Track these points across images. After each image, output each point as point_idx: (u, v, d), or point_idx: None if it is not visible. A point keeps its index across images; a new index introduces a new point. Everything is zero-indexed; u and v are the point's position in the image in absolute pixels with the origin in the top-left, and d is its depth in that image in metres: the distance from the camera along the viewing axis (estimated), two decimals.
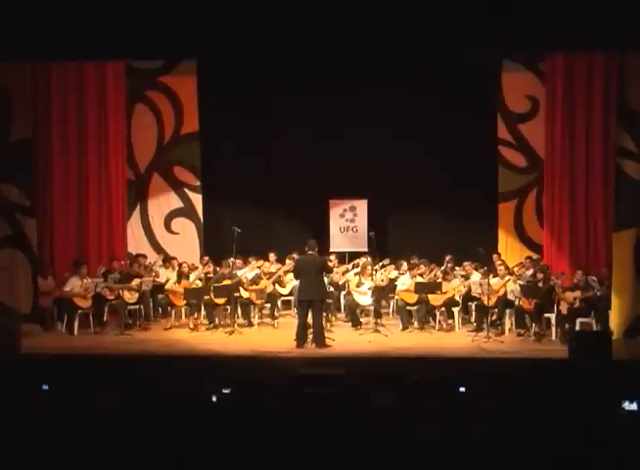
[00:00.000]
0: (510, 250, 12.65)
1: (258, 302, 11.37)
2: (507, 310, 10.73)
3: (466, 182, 12.74)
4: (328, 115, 12.71)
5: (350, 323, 11.20)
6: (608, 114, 11.44)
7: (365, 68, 12.06)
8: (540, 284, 10.55)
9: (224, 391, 5.74)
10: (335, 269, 11.90)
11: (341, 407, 5.34)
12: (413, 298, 11.05)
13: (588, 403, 5.38)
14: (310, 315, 9.66)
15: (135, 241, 13.09)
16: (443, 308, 11.07)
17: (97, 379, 6.66)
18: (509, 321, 10.81)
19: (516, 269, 11.41)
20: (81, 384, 6.25)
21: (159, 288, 11.49)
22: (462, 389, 5.93)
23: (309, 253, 9.84)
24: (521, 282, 10.82)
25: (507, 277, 10.87)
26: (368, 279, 11.12)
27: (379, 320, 10.81)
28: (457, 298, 11.11)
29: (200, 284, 11.37)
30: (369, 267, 11.22)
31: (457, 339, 10.40)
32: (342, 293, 11.94)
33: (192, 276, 11.44)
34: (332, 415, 5.10)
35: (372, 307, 10.95)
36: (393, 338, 10.37)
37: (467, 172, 12.72)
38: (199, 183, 13.34)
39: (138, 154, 13.17)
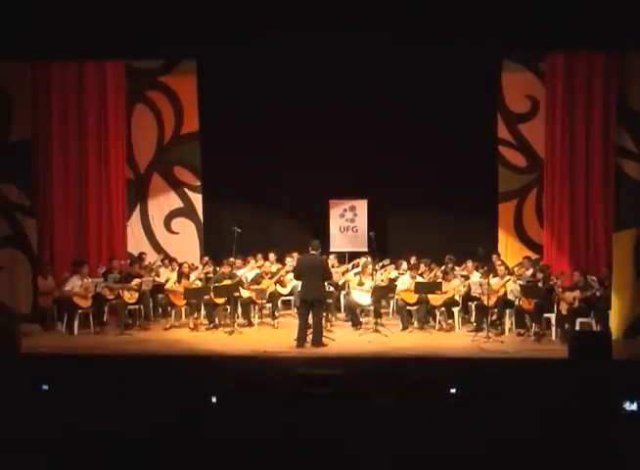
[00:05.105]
0: (510, 250, 12.65)
1: (259, 301, 11.37)
2: (507, 310, 10.74)
3: (466, 182, 12.74)
4: (328, 114, 12.71)
5: (350, 323, 11.20)
6: (608, 114, 11.42)
7: (365, 67, 12.06)
8: (540, 284, 10.55)
9: (222, 391, 5.74)
10: (335, 269, 11.91)
11: (340, 407, 5.33)
12: (413, 298, 11.05)
13: (588, 403, 5.38)
14: (310, 315, 9.68)
15: (135, 241, 13.09)
16: (443, 308, 11.08)
17: (97, 379, 6.66)
18: (509, 321, 10.81)
19: (516, 269, 11.42)
20: (81, 384, 6.25)
21: (159, 288, 11.49)
22: (453, 390, 5.90)
23: (312, 252, 9.85)
24: (521, 282, 10.83)
25: (507, 277, 10.88)
26: (368, 279, 11.13)
27: (379, 320, 10.81)
28: (457, 298, 11.12)
29: (200, 284, 11.38)
30: (369, 267, 11.23)
31: (457, 339, 10.40)
32: (342, 293, 11.95)
33: (192, 276, 11.45)
34: (331, 415, 5.10)
35: (372, 307, 10.95)
36: (393, 338, 10.37)
37: (467, 172, 12.72)
38: (199, 183, 13.35)
39: (138, 154, 13.17)
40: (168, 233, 13.37)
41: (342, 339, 10.23)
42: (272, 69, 12.21)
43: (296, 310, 11.33)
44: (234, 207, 13.34)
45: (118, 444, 4.68)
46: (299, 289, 10.28)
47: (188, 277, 11.38)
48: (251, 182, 13.16)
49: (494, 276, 10.90)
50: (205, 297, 11.07)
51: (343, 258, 12.76)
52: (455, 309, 11.09)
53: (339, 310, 12.03)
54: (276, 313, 11.47)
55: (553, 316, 10.31)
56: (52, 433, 4.86)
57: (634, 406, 5.41)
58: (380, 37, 9.68)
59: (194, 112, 13.13)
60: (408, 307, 11.13)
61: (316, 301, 9.68)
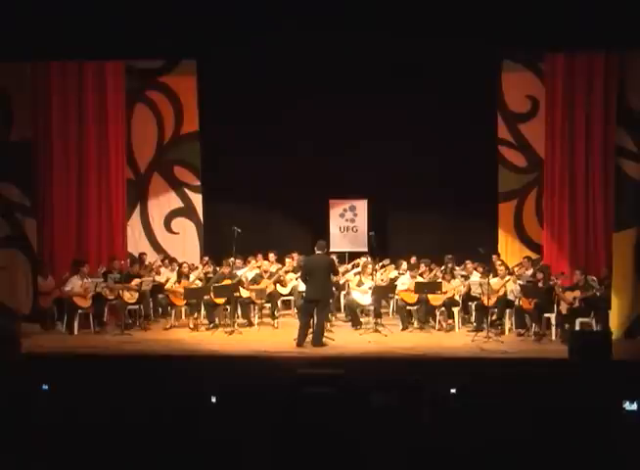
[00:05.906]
0: (510, 250, 12.66)
1: (259, 301, 11.37)
2: (507, 310, 10.75)
3: (466, 182, 12.75)
4: (328, 114, 12.71)
5: (350, 323, 11.20)
6: (608, 114, 11.43)
7: (365, 68, 12.07)
8: (540, 284, 10.55)
9: (222, 391, 5.74)
10: None
11: (340, 407, 5.34)
12: (413, 298, 11.05)
13: (588, 403, 5.38)
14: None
15: (135, 241, 13.11)
16: (443, 308, 11.08)
17: (97, 379, 6.66)
18: (509, 321, 10.81)
19: (516, 269, 11.42)
20: (81, 384, 6.25)
21: (158, 288, 11.49)
22: (453, 390, 5.90)
23: (318, 253, 9.86)
24: (521, 282, 10.83)
25: (507, 277, 10.88)
26: (368, 279, 11.13)
27: (379, 320, 10.81)
28: (457, 298, 11.12)
29: (200, 284, 11.38)
30: (369, 267, 11.23)
31: (457, 339, 10.40)
32: (343, 293, 11.95)
33: (192, 276, 11.45)
34: (332, 415, 5.10)
35: (372, 307, 10.96)
36: (393, 338, 10.37)
37: (467, 172, 12.74)
38: (199, 183, 13.37)
39: (138, 154, 13.18)
40: (168, 233, 13.38)
41: (343, 339, 10.23)
42: (272, 69, 12.21)
43: (296, 310, 11.33)
44: (234, 207, 13.34)
45: (118, 443, 4.69)
46: (301, 289, 10.27)
47: (188, 277, 11.38)
48: (251, 182, 13.18)
49: (494, 276, 10.91)
50: (205, 297, 11.07)
51: (343, 258, 12.76)
52: (455, 309, 11.09)
53: (339, 310, 12.03)
54: (276, 313, 11.47)
55: (553, 316, 10.31)
56: (52, 432, 4.86)
57: (634, 406, 5.41)
58: (380, 38, 9.66)
59: (194, 112, 13.14)
60: (408, 307, 11.13)
61: (322, 301, 9.71)
